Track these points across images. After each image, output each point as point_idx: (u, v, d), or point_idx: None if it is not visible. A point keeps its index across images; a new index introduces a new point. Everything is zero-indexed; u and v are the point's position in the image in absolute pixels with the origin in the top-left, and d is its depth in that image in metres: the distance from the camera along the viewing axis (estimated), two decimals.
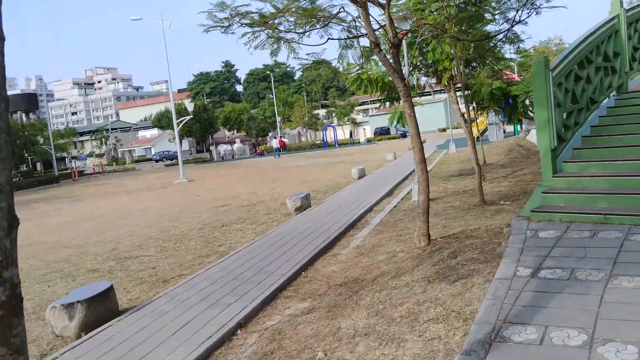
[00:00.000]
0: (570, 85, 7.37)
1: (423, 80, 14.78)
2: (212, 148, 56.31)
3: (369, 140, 52.79)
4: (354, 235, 9.44)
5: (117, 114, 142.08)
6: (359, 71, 14.98)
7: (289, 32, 7.99)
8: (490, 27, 12.37)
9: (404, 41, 10.72)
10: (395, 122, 16.95)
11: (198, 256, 9.30)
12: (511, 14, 9.59)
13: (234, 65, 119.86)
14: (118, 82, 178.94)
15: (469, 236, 7.20)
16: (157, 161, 64.95)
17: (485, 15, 10.41)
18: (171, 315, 5.96)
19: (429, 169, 21.17)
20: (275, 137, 53.51)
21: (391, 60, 7.18)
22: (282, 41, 8.07)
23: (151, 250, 10.47)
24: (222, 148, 55.30)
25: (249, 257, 8.30)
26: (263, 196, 17.11)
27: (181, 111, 54.65)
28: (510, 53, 16.00)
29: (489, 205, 10.76)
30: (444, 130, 45.48)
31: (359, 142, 52.60)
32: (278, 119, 58.48)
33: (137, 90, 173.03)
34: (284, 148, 53.67)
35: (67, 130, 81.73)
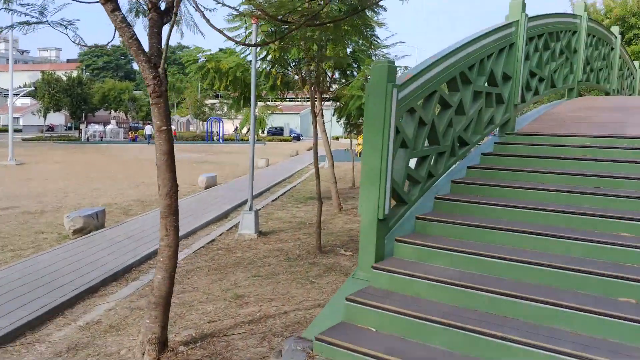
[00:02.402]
0: (430, 114, 4.75)
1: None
2: (81, 127, 49.95)
3: (258, 140, 49.57)
4: (107, 295, 6.27)
5: None
6: (205, 57, 11.85)
7: None
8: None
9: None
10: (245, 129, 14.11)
11: None
12: None
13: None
14: None
15: (231, 347, 4.37)
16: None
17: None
18: None
19: (295, 183, 18.47)
20: (149, 123, 48.50)
21: (137, 33, 4.15)
22: None
23: None
24: (92, 128, 49.18)
25: None
26: (71, 200, 13.35)
27: (51, 82, 48.73)
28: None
29: (324, 254, 8.15)
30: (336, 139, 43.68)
31: (247, 140, 49.23)
32: None
33: (22, 54, 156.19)
34: (174, 137, 48.81)
35: None
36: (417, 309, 3.62)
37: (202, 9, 4.09)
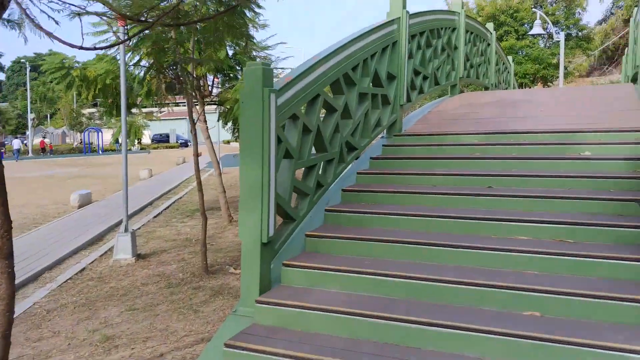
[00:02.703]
0: (315, 120, 4.27)
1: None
2: None
3: (142, 148, 46.84)
4: None
5: None
6: (72, 65, 10.65)
7: None
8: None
9: None
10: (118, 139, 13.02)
11: None
12: None
13: None
14: None
15: None
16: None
17: None
18: None
19: (181, 194, 17.31)
20: (17, 137, 44.37)
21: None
22: None
23: None
24: None
25: None
26: None
27: None
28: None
29: (211, 275, 7.46)
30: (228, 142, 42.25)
31: (129, 150, 46.34)
32: (31, 116, 48.64)
33: None
34: (50, 150, 44.80)
35: None
36: (307, 349, 3.09)
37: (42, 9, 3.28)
